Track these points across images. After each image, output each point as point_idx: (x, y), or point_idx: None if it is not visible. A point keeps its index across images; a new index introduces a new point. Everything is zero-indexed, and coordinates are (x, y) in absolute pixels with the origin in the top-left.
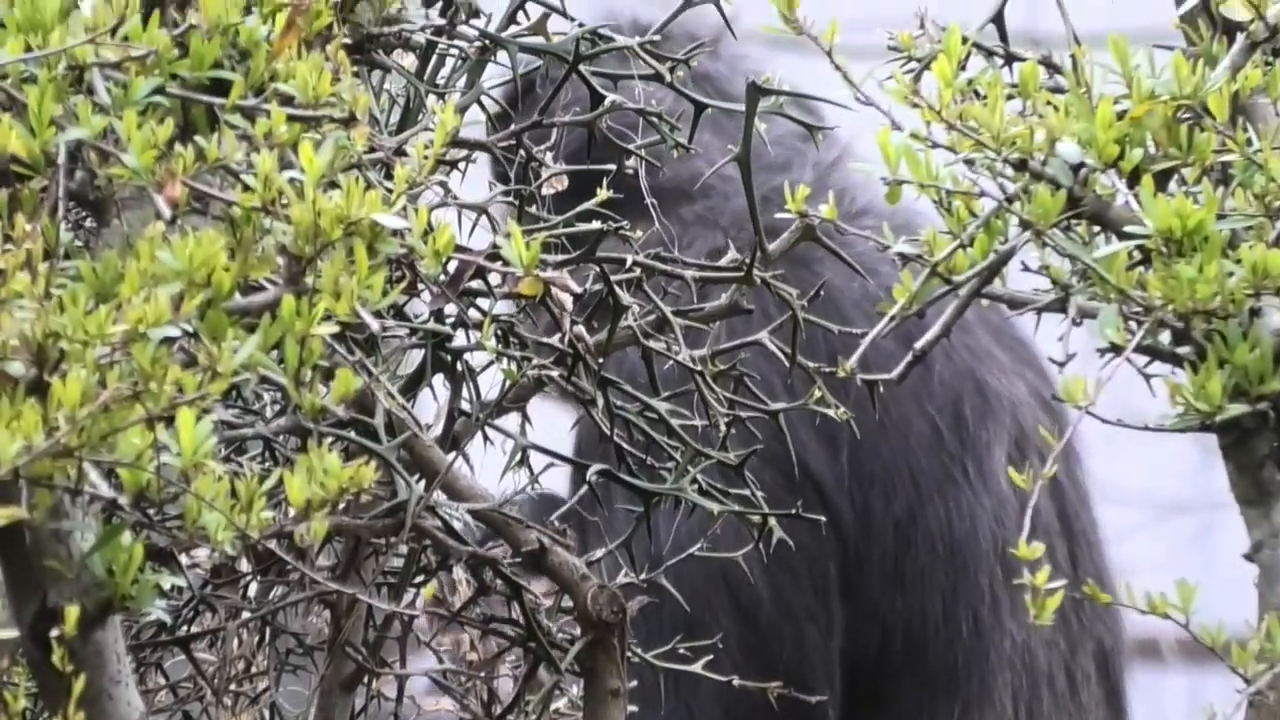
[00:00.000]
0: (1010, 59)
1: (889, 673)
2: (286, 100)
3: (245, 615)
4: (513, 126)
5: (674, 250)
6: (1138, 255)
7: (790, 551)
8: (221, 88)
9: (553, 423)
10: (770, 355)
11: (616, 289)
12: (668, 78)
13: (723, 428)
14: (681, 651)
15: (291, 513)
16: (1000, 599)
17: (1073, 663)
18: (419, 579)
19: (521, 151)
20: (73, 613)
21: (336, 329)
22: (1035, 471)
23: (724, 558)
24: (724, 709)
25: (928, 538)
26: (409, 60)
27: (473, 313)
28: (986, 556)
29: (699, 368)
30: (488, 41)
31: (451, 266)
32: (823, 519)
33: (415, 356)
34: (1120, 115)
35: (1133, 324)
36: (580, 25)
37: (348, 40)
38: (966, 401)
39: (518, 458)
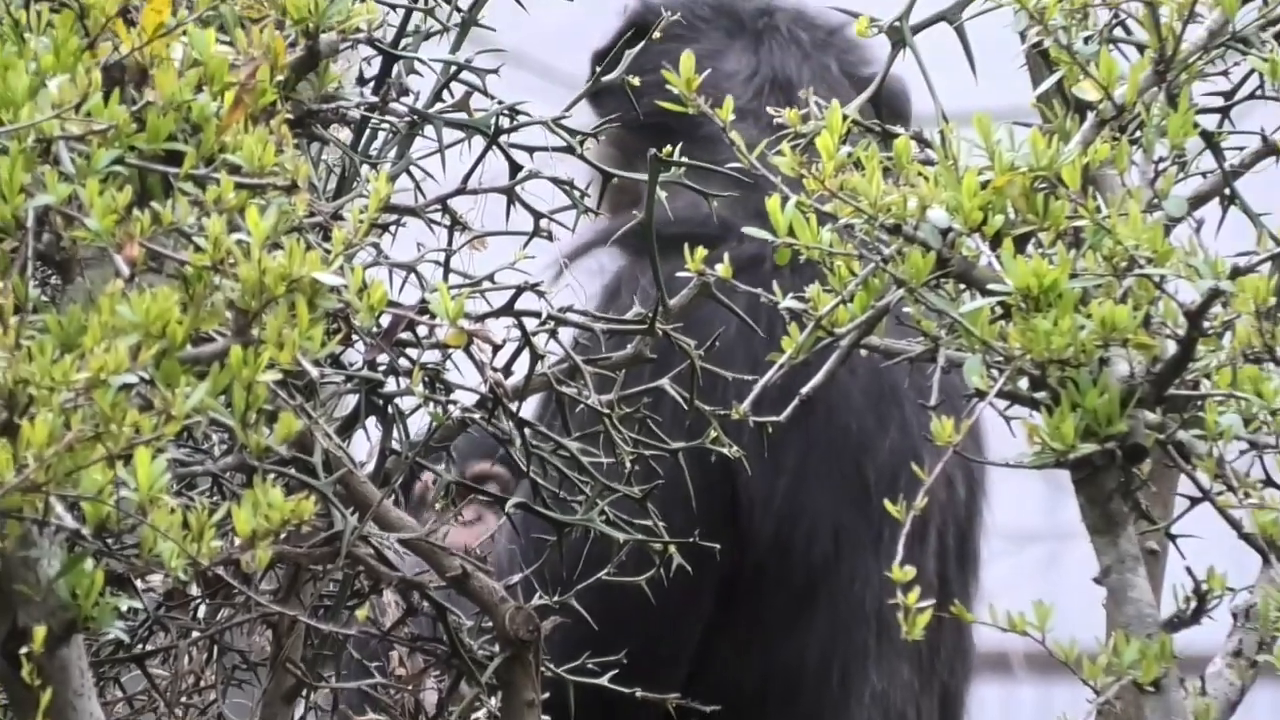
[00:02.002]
0: (885, 135)
1: (762, 708)
2: (234, 170)
3: (195, 634)
4: (437, 194)
5: None
6: (999, 310)
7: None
8: (175, 158)
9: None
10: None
11: (532, 340)
12: (578, 150)
13: (628, 464)
14: (591, 667)
15: (238, 542)
16: (870, 651)
17: (921, 700)
18: (353, 602)
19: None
20: (40, 632)
21: (279, 376)
22: (904, 506)
23: (626, 581)
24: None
25: (828, 592)
26: (345, 134)
27: (403, 361)
28: (868, 616)
29: (606, 410)
30: (416, 117)
31: (384, 320)
32: (716, 546)
33: (350, 401)
34: (984, 185)
35: (995, 371)
36: (499, 103)
37: (289, 115)
38: (902, 476)
39: (442, 491)
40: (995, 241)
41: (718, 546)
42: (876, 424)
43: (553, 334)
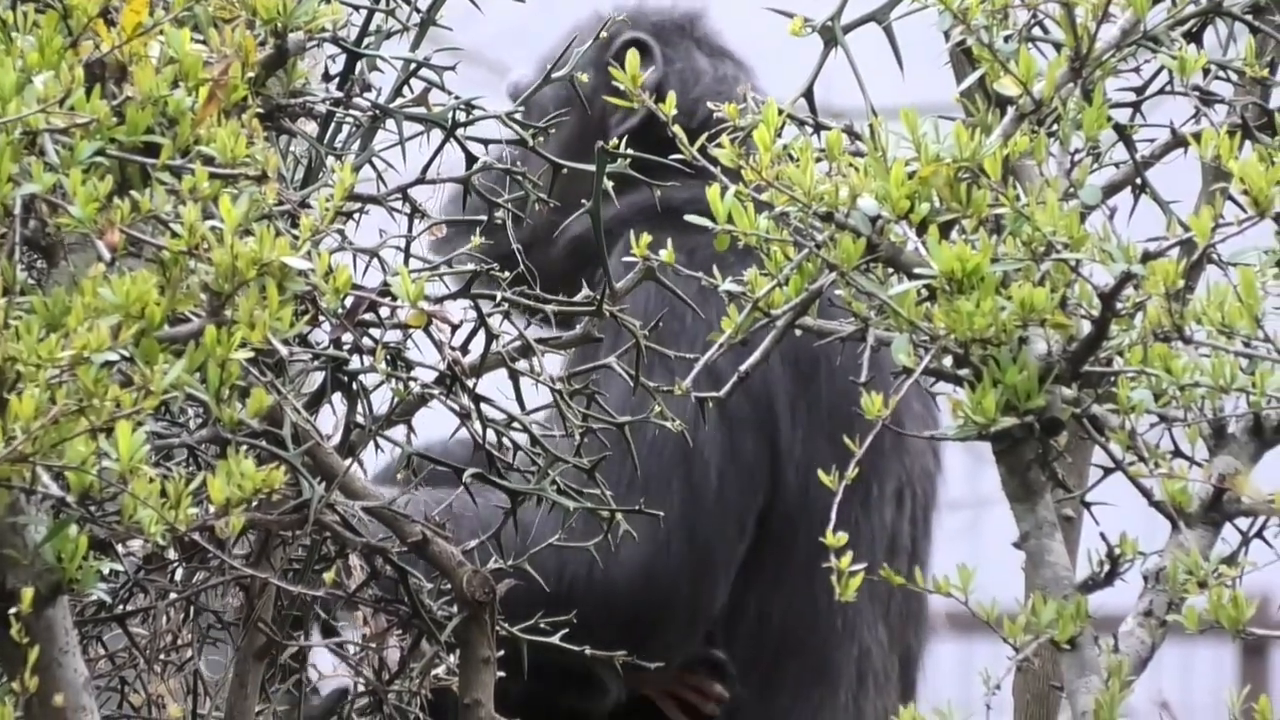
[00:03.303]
0: (819, 128)
1: (785, 654)
2: (208, 161)
3: (173, 596)
4: (398, 184)
5: None
6: (925, 293)
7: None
8: (153, 150)
9: None
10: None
11: (488, 320)
12: (530, 143)
13: (577, 437)
14: (543, 626)
15: (213, 509)
16: (862, 610)
17: (888, 660)
18: (320, 565)
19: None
20: (28, 594)
21: (251, 354)
22: (837, 477)
23: (574, 546)
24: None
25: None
26: (311, 127)
27: (366, 340)
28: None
29: (557, 386)
30: (378, 111)
31: (348, 301)
32: (660, 514)
33: (317, 377)
34: (910, 175)
35: (921, 350)
36: (456, 98)
37: (260, 110)
38: (885, 438)
39: (404, 462)
40: (921, 228)
41: (660, 515)
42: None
43: (507, 315)
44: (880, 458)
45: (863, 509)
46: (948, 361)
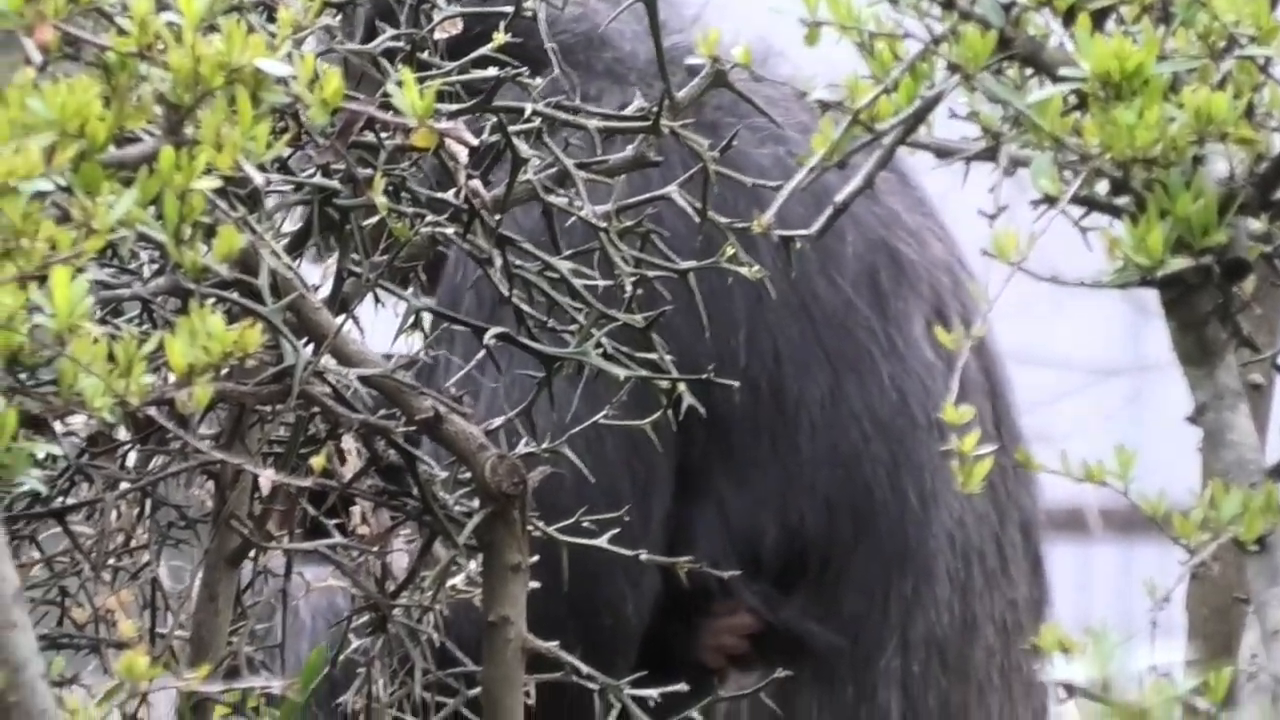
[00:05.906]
0: None
1: (840, 547)
2: None
3: (124, 486)
4: None
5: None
6: (1073, 100)
7: (608, 443)
8: None
9: None
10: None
11: (515, 140)
12: None
13: (629, 288)
14: (586, 525)
15: (172, 378)
16: (940, 469)
17: (1002, 535)
18: (307, 449)
19: None
20: None
21: (218, 183)
22: (963, 333)
23: (627, 425)
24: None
25: (854, 415)
26: None
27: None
28: (921, 428)
29: (603, 224)
30: None
31: (340, 117)
32: (734, 384)
33: (301, 213)
34: None
35: (1068, 173)
36: None
37: None
38: (881, 271)
39: (411, 320)
40: (1068, 17)
41: (736, 384)
42: (833, 235)
43: (539, 134)
44: (882, 301)
45: (894, 355)
46: (1102, 187)
